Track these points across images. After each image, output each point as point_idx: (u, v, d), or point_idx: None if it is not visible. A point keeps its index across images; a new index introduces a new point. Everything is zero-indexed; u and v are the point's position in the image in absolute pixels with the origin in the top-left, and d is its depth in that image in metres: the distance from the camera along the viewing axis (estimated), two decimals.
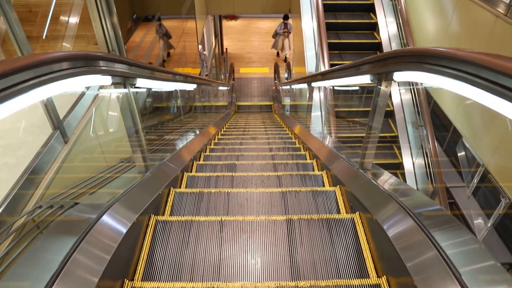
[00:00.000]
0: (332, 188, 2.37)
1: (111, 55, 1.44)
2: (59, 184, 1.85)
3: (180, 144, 3.32)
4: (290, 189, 2.37)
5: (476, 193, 4.66)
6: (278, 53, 12.83)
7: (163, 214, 2.13)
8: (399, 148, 5.25)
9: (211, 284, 1.50)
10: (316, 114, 4.54)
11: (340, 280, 1.50)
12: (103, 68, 1.42)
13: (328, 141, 3.30)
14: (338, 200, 2.26)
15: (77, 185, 1.93)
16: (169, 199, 2.26)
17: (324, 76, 2.82)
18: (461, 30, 4.47)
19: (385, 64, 1.56)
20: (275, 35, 12.04)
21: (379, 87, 1.75)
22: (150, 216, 1.85)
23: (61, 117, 1.97)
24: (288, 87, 7.71)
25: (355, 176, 2.07)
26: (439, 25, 5.04)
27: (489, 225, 3.97)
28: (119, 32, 2.78)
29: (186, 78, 3.08)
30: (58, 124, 1.93)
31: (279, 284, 1.48)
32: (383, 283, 1.41)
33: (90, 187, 1.93)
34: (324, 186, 2.67)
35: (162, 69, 2.20)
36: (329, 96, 4.06)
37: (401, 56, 1.36)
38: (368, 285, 1.43)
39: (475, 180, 4.11)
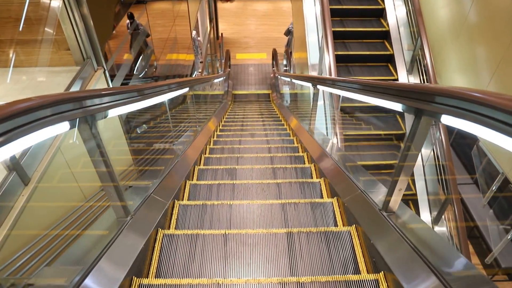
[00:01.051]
0: (330, 200, 2.45)
1: (61, 96, 1.05)
2: (18, 242, 1.49)
3: (178, 152, 3.24)
4: (289, 201, 2.46)
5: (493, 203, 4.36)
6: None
7: (168, 227, 2.21)
8: None
9: None
10: (321, 116, 4.16)
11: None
12: (53, 118, 1.04)
13: (337, 157, 2.93)
14: (336, 212, 2.33)
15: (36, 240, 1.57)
16: (174, 212, 2.34)
17: (337, 84, 2.42)
18: (482, 21, 4.05)
19: (434, 103, 1.18)
20: (288, 33, 11.12)
21: (417, 122, 1.38)
22: (158, 230, 1.95)
23: (18, 155, 1.60)
24: (288, 79, 7.25)
25: (379, 224, 1.71)
26: (455, 14, 4.61)
27: (509, 237, 3.68)
28: (91, 27, 2.31)
29: (177, 86, 2.68)
30: (13, 165, 1.56)
31: None
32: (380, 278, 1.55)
33: (55, 244, 1.57)
34: (322, 194, 2.77)
35: (144, 87, 1.81)
36: (336, 103, 3.66)
37: (468, 101, 0.98)
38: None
39: (494, 188, 3.79)
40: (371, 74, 5.32)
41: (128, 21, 4.39)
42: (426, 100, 1.23)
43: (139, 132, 4.28)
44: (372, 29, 5.67)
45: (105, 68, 2.45)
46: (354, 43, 5.63)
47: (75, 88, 2.24)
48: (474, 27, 4.17)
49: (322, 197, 2.74)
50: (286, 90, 8.54)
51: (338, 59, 4.73)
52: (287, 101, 8.16)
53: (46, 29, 2.26)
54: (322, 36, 4.70)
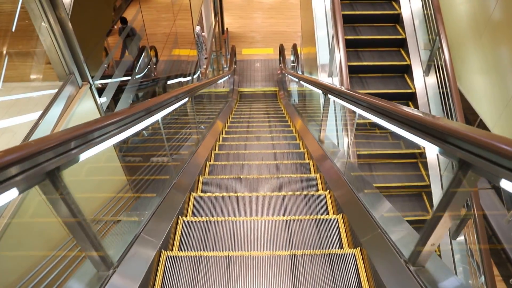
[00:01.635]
0: (335, 216, 2.44)
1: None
2: None
3: (181, 162, 3.14)
4: (294, 218, 2.46)
5: None
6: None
7: (172, 246, 2.22)
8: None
9: None
10: (331, 125, 3.86)
11: None
12: None
13: (350, 178, 2.64)
14: (341, 228, 2.34)
15: None
16: (178, 229, 2.35)
17: (354, 101, 2.12)
18: (508, 20, 3.69)
19: (491, 162, 0.90)
20: None
21: (461, 174, 1.09)
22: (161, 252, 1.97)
23: None
24: (295, 79, 6.91)
25: (404, 282, 1.43)
26: (477, 12, 4.25)
27: None
28: (72, 35, 2.01)
29: (174, 100, 2.41)
30: None
31: None
32: None
33: None
34: (327, 207, 2.75)
35: (128, 113, 1.54)
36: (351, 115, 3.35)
37: None
38: None
39: None
40: (382, 59, 5.05)
41: (120, 26, 4.03)
42: (479, 155, 0.95)
43: (145, 134, 4.03)
44: (383, 13, 5.34)
45: (92, 83, 2.18)
46: (365, 27, 5.34)
47: (57, 107, 1.98)
48: (500, 26, 3.81)
49: (327, 212, 2.72)
50: (293, 87, 8.21)
51: (348, 44, 4.46)
52: (294, 100, 7.84)
53: (23, 40, 1.99)
54: (332, 36, 4.37)
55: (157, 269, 1.90)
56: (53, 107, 1.98)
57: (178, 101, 2.59)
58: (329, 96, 3.07)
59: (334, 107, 3.90)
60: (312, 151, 3.90)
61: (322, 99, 3.61)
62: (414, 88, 4.67)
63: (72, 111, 2.03)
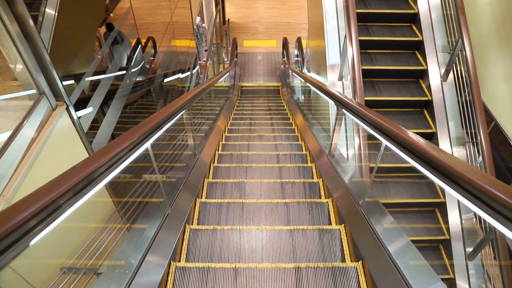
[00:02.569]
0: (337, 227, 2.52)
1: None
2: None
3: (185, 171, 3.03)
4: (297, 227, 2.52)
5: None
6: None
7: (180, 254, 2.27)
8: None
9: None
10: (342, 136, 3.51)
11: None
12: None
13: (366, 208, 2.30)
14: (343, 239, 2.41)
15: None
16: (185, 237, 2.39)
17: (387, 135, 1.76)
18: None
19: None
20: None
21: None
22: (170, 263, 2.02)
23: None
24: (301, 79, 6.50)
25: None
26: (506, 13, 3.86)
27: None
28: (37, 41, 1.61)
29: (170, 117, 2.07)
30: None
31: None
32: None
33: None
34: (330, 218, 2.80)
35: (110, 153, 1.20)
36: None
37: None
38: None
39: None
40: (393, 34, 4.82)
41: (105, 31, 3.58)
42: None
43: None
44: None
45: (69, 103, 1.81)
46: (375, 1, 5.09)
47: (24, 136, 1.63)
48: None
49: (329, 220, 2.77)
50: (297, 83, 7.80)
51: (358, 18, 4.13)
52: (298, 98, 7.46)
53: None
54: (345, 37, 3.99)
55: (167, 279, 1.99)
56: (18, 136, 1.62)
57: (174, 117, 2.25)
58: (344, 110, 2.72)
59: (345, 118, 3.56)
60: (322, 168, 3.53)
61: (333, 111, 3.26)
62: (426, 65, 4.43)
63: (43, 139, 1.68)
